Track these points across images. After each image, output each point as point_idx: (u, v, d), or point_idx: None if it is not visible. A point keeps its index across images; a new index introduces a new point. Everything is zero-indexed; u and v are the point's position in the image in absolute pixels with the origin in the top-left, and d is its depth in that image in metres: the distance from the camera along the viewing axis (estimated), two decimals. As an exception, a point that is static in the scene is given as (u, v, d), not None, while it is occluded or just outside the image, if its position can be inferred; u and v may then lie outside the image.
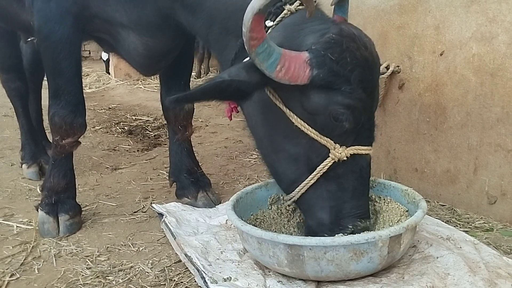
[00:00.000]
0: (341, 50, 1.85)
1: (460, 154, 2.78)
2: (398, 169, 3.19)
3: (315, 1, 2.04)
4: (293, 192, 2.12)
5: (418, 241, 2.32)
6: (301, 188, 2.08)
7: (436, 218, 2.65)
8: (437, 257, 2.16)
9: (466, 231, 2.50)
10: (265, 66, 1.78)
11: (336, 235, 2.01)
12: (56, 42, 2.51)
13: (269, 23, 2.04)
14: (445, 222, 2.60)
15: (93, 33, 2.74)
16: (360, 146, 2.02)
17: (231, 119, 2.26)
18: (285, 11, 2.04)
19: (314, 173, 2.02)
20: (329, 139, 1.98)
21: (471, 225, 2.63)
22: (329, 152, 1.99)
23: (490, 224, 2.61)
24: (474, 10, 2.60)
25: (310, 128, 1.97)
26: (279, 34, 2.00)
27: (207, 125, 5.48)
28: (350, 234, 2.00)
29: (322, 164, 2.00)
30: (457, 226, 2.60)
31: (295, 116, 1.98)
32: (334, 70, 1.85)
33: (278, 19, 2.04)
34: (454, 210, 2.82)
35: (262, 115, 2.10)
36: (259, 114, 2.11)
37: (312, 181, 2.04)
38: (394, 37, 3.07)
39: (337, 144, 1.98)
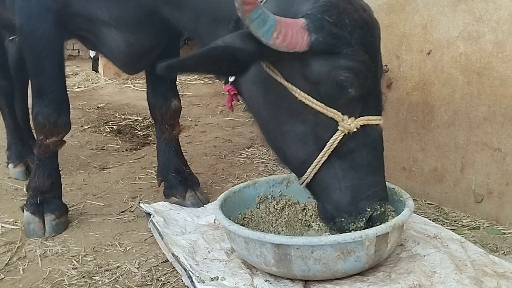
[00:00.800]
0: (339, 12, 1.81)
1: (447, 153, 2.80)
2: (386, 167, 3.18)
3: None
4: (305, 174, 2.03)
5: (406, 239, 2.32)
6: (313, 168, 2.00)
7: (424, 217, 2.66)
8: (424, 256, 2.17)
9: (453, 230, 2.51)
10: (261, 33, 1.72)
11: (355, 220, 1.97)
12: (38, 40, 2.49)
13: None
14: (432, 221, 2.61)
15: (75, 31, 2.71)
16: (369, 116, 1.94)
17: (232, 110, 2.18)
18: None
19: (325, 149, 1.95)
20: (336, 111, 1.91)
21: (458, 223, 2.65)
22: (338, 125, 1.91)
23: (477, 223, 2.63)
24: (461, 9, 2.62)
25: (315, 100, 1.90)
26: (273, 5, 1.93)
27: (197, 124, 5.46)
28: (369, 218, 1.97)
29: (332, 139, 1.93)
30: (444, 224, 2.62)
31: (297, 90, 1.91)
32: (334, 32, 1.80)
33: None
34: (441, 208, 2.84)
35: (263, 96, 2.03)
36: (261, 96, 2.04)
37: (324, 159, 1.96)
38: (382, 36, 3.01)
39: (345, 116, 1.91)
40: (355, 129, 1.91)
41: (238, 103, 2.19)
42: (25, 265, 2.33)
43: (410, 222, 2.49)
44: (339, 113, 1.91)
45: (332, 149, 1.95)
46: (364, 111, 1.94)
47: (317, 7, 1.82)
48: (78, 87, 8.39)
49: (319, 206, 2.17)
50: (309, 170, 2.01)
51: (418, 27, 2.85)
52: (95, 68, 9.46)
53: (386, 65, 3.05)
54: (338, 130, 1.92)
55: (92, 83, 8.85)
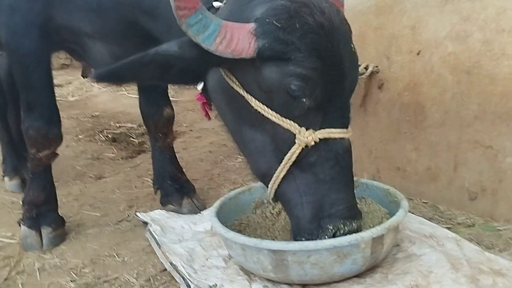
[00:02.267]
0: (289, 16, 1.69)
1: (440, 152, 2.82)
2: (380, 168, 3.21)
3: None
4: (268, 187, 1.96)
5: (402, 239, 2.34)
6: (273, 182, 1.91)
7: (419, 216, 2.67)
8: (420, 255, 2.19)
9: (448, 228, 2.53)
10: (201, 39, 1.65)
11: (316, 238, 1.87)
12: (24, 55, 2.50)
13: (217, 3, 1.93)
14: (428, 219, 2.63)
15: (62, 43, 2.72)
16: (331, 129, 1.82)
17: (209, 118, 2.14)
18: None
19: (283, 162, 1.84)
20: (292, 122, 1.80)
21: (453, 221, 2.66)
22: (295, 138, 1.81)
23: (472, 220, 2.64)
24: (449, 9, 2.64)
25: (270, 110, 1.79)
26: (226, 10, 1.87)
27: (192, 130, 5.47)
28: (332, 237, 1.87)
29: (290, 152, 1.82)
30: (439, 223, 2.63)
31: (253, 99, 1.81)
32: (281, 38, 1.68)
33: None
34: (437, 207, 2.85)
35: (226, 104, 1.96)
36: (224, 104, 1.97)
37: (283, 173, 1.87)
38: (372, 37, 3.10)
39: (303, 128, 1.80)
40: (313, 143, 1.80)
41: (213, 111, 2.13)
42: (24, 279, 2.34)
43: (405, 222, 2.51)
44: (296, 125, 1.80)
45: (291, 162, 1.85)
46: (325, 124, 1.82)
47: (268, 11, 1.71)
48: (72, 96, 8.38)
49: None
50: (270, 183, 1.94)
51: (406, 28, 2.87)
52: (84, 75, 9.42)
53: (376, 66, 3.07)
54: (295, 143, 1.82)
55: (86, 91, 8.83)
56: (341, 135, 1.86)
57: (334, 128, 1.83)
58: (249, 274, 2.18)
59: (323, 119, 1.83)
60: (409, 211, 2.72)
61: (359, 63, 2.99)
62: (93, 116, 6.58)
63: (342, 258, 1.94)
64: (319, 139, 1.81)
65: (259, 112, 1.82)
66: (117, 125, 5.91)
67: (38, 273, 2.37)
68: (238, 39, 1.68)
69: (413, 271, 2.06)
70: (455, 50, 2.64)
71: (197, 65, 1.77)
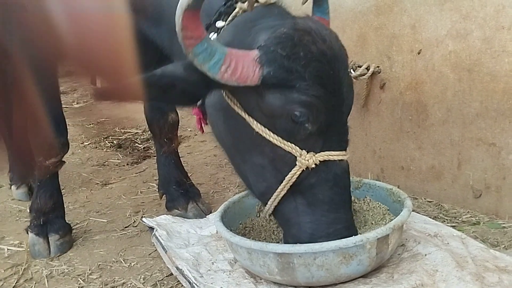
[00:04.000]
0: (293, 44, 1.71)
1: (443, 150, 2.82)
2: (384, 168, 3.22)
3: None
4: (266, 205, 2.00)
5: (407, 239, 2.34)
6: (273, 201, 1.95)
7: (424, 215, 2.67)
8: (425, 255, 2.19)
9: (453, 226, 2.53)
10: (207, 67, 1.66)
11: None
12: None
13: (219, 23, 1.94)
14: (432, 218, 2.63)
15: None
16: (331, 152, 1.86)
17: (202, 132, 2.16)
18: (236, 10, 1.91)
19: (283, 183, 1.88)
20: (293, 145, 1.83)
21: (458, 219, 2.66)
22: (296, 160, 1.84)
23: (477, 218, 2.65)
24: (448, 7, 2.64)
25: (272, 134, 1.82)
26: (229, 33, 1.88)
27: (196, 134, 5.48)
28: None
29: (290, 173, 1.86)
30: (444, 221, 2.63)
31: (255, 122, 1.83)
32: (286, 66, 1.70)
33: (229, 18, 1.92)
34: (441, 205, 2.85)
35: (224, 123, 1.97)
36: (222, 123, 1.99)
37: (283, 193, 1.91)
38: (373, 38, 3.11)
39: (304, 151, 1.83)
40: (313, 165, 1.83)
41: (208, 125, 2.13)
42: (32, 286, 2.35)
43: (410, 221, 2.51)
44: (297, 148, 1.83)
45: (291, 183, 1.88)
46: (325, 147, 1.85)
47: (271, 39, 1.72)
48: (77, 103, 8.43)
49: (283, 235, 2.12)
50: (269, 202, 1.96)
51: (407, 28, 2.87)
52: (93, 82, 9.48)
53: (378, 66, 3.08)
54: (296, 165, 1.85)
55: (91, 98, 8.89)
56: (340, 157, 1.89)
57: (333, 150, 1.87)
58: (255, 277, 2.19)
59: (323, 142, 1.86)
60: (414, 210, 2.73)
61: (360, 63, 3.05)
62: (98, 122, 6.62)
63: (348, 259, 1.95)
64: (319, 161, 1.84)
65: (260, 134, 1.84)
66: (122, 131, 5.95)
67: (46, 280, 2.39)
68: (242, 67, 1.70)
69: (418, 270, 2.06)
70: (456, 48, 2.65)
71: (200, 88, 1.78)
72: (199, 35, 1.63)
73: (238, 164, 2.06)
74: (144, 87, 1.70)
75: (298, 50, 1.71)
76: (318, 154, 1.85)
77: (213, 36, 1.95)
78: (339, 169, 1.90)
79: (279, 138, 1.83)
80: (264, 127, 1.83)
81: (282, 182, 1.89)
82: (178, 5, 1.57)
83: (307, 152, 1.84)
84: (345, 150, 1.92)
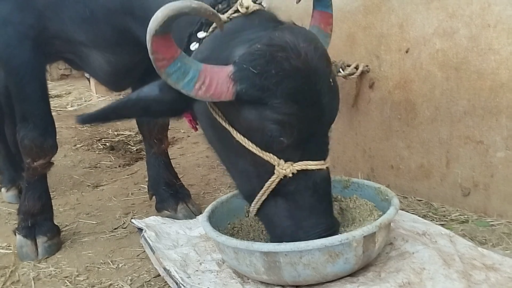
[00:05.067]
0: (265, 61, 1.70)
1: (432, 149, 2.82)
2: (374, 167, 3.21)
3: (261, 3, 1.95)
4: (251, 206, 2.04)
5: (395, 238, 2.33)
6: (255, 204, 2.00)
7: (413, 213, 2.67)
8: (413, 253, 2.18)
9: (442, 225, 2.53)
10: (181, 86, 1.68)
11: None
12: (18, 67, 2.51)
13: (201, 34, 1.95)
14: (422, 217, 2.62)
15: (58, 53, 2.73)
16: (309, 162, 1.88)
17: (196, 130, 2.18)
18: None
19: (263, 189, 1.93)
20: (271, 155, 1.86)
21: (447, 218, 2.67)
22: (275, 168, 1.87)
23: (466, 216, 2.65)
24: (435, 6, 2.65)
25: (251, 143, 1.85)
26: (207, 46, 1.90)
27: (189, 136, 5.48)
28: None
29: (269, 180, 1.90)
30: (433, 220, 2.63)
31: (235, 131, 1.86)
32: (258, 84, 1.70)
33: (210, 29, 1.92)
34: (431, 204, 2.85)
35: (211, 129, 2.01)
36: (209, 128, 2.03)
37: (264, 197, 1.95)
38: (361, 37, 3.11)
39: (281, 160, 1.86)
40: (290, 174, 1.86)
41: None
42: (18, 289, 2.35)
43: (399, 220, 2.51)
44: (275, 157, 1.86)
45: (271, 190, 1.92)
46: (304, 156, 1.88)
47: (245, 55, 1.73)
48: (71, 106, 8.41)
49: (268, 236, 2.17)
50: (252, 204, 2.01)
51: (395, 27, 2.88)
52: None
53: (367, 66, 3.08)
54: (274, 173, 1.88)
55: (85, 101, 8.87)
56: (319, 167, 1.91)
57: (312, 160, 1.89)
58: (242, 277, 2.18)
59: (302, 151, 1.88)
60: (403, 209, 2.73)
61: (349, 63, 3.04)
62: (91, 125, 6.60)
63: (334, 258, 1.94)
64: (297, 170, 1.87)
65: (240, 143, 1.87)
66: (115, 133, 5.94)
67: (33, 283, 2.38)
68: (217, 83, 1.70)
69: (405, 269, 2.06)
70: (443, 46, 2.65)
71: (179, 104, 1.81)
72: (171, 56, 1.65)
73: (227, 166, 2.11)
74: (123, 110, 1.79)
75: (270, 67, 1.70)
76: (296, 163, 1.87)
77: (194, 46, 1.96)
78: (318, 178, 1.93)
79: (258, 148, 1.86)
80: (244, 137, 1.86)
81: (263, 187, 1.93)
82: (148, 30, 1.60)
83: (285, 162, 1.86)
84: (324, 159, 1.95)
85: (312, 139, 1.88)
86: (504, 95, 2.44)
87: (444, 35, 2.63)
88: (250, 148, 1.86)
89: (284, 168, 1.86)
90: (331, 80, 1.87)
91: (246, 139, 1.86)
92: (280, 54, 1.72)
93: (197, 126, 2.19)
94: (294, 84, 1.73)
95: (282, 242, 1.95)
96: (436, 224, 2.52)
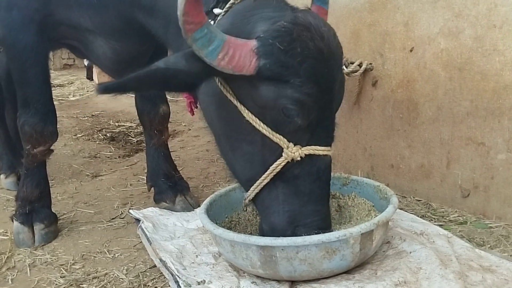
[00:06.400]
0: (291, 39, 1.71)
1: (433, 149, 2.81)
2: (374, 166, 3.20)
3: None
4: (249, 191, 2.02)
5: (392, 237, 2.33)
6: (256, 187, 1.98)
7: (412, 213, 2.67)
8: (410, 252, 2.17)
9: (440, 225, 2.52)
10: (205, 53, 1.66)
11: None
12: (21, 51, 2.50)
13: (217, 10, 1.95)
14: (420, 217, 2.62)
15: (62, 40, 2.72)
16: (316, 146, 1.90)
17: (193, 114, 2.17)
18: None
19: (267, 172, 1.92)
20: (282, 137, 1.86)
21: (445, 218, 2.66)
22: (282, 151, 1.87)
23: (464, 217, 2.64)
24: (441, 5, 2.63)
25: (262, 124, 1.85)
26: (227, 21, 1.89)
27: (190, 129, 5.47)
28: None
29: (275, 163, 1.89)
30: (432, 220, 2.63)
31: (246, 111, 1.85)
32: (282, 60, 1.71)
33: (227, 6, 1.93)
34: (430, 204, 2.84)
35: (216, 109, 1.99)
36: (214, 109, 2.00)
37: (266, 181, 1.94)
38: (366, 34, 3.09)
39: (291, 143, 1.86)
40: (299, 158, 1.87)
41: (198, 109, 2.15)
42: (14, 275, 2.34)
43: (397, 219, 2.50)
44: (285, 140, 1.86)
45: (275, 173, 1.91)
46: (312, 141, 1.89)
47: (271, 31, 1.73)
48: (73, 96, 8.42)
49: (259, 224, 2.16)
50: (252, 188, 1.99)
51: (400, 25, 2.86)
52: (89, 77, 9.49)
53: (370, 64, 3.07)
54: (282, 156, 1.88)
55: (87, 91, 8.88)
56: (325, 152, 1.93)
57: (319, 145, 1.91)
58: (238, 270, 2.18)
59: (310, 136, 1.89)
60: (402, 209, 2.73)
61: (353, 60, 3.04)
62: (93, 115, 6.61)
63: (331, 254, 1.93)
64: (305, 154, 1.88)
65: (249, 123, 1.86)
66: (116, 124, 5.94)
67: (28, 269, 2.37)
68: (240, 56, 1.70)
69: (402, 268, 2.05)
70: (447, 46, 2.63)
71: (200, 77, 1.79)
72: (200, 21, 1.63)
73: (225, 150, 2.08)
74: (148, 80, 1.75)
75: (295, 45, 1.71)
76: (304, 147, 1.87)
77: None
78: (322, 164, 1.94)
79: (269, 129, 1.85)
80: (255, 116, 1.85)
81: (266, 170, 1.92)
82: None
83: (294, 145, 1.87)
84: (330, 146, 1.96)
85: (321, 124, 1.89)
86: (507, 97, 2.43)
87: (449, 34, 2.61)
88: (260, 129, 1.85)
89: (293, 151, 1.86)
90: (342, 69, 1.93)
91: (257, 119, 1.85)
92: (306, 33, 1.73)
93: (195, 110, 2.17)
94: (316, 65, 1.74)
95: (277, 227, 1.96)
96: (434, 224, 2.51)
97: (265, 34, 1.73)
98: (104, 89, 1.76)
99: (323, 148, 1.92)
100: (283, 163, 1.89)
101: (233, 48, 1.70)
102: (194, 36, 1.64)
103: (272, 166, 1.90)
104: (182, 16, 1.61)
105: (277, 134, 1.86)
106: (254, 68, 1.72)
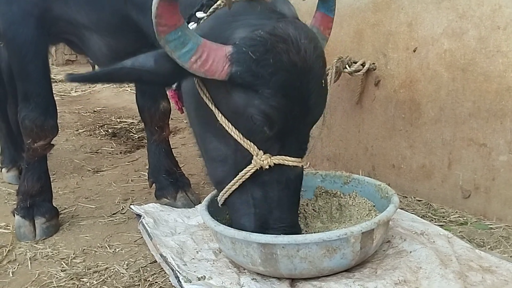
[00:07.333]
0: (265, 49, 1.70)
1: (434, 149, 2.81)
2: (376, 165, 3.21)
3: None
4: (219, 195, 2.05)
5: (393, 236, 2.33)
6: (226, 191, 2.01)
7: (413, 213, 2.67)
8: (410, 252, 2.18)
9: (441, 225, 2.52)
10: (177, 55, 1.68)
11: None
12: (21, 45, 2.52)
13: (200, 14, 1.96)
14: (421, 217, 2.63)
15: (60, 35, 2.74)
16: (287, 157, 1.90)
17: (182, 112, 2.17)
18: (218, 2, 1.92)
19: (237, 178, 1.94)
20: (252, 144, 1.87)
21: (446, 219, 2.66)
22: (253, 158, 1.89)
23: (465, 218, 2.64)
24: (445, 6, 2.63)
25: (234, 128, 1.87)
26: (208, 25, 1.90)
27: (191, 126, 5.47)
28: None
29: (245, 169, 1.91)
30: (432, 220, 2.63)
31: (220, 114, 1.87)
32: (253, 70, 1.71)
33: (211, 10, 1.93)
34: (430, 205, 2.85)
35: (194, 109, 2.01)
36: (192, 108, 2.02)
37: (235, 186, 1.97)
38: (369, 34, 3.09)
39: (261, 151, 1.87)
40: (267, 166, 1.88)
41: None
42: (14, 268, 2.34)
43: (398, 219, 2.50)
44: (255, 147, 1.87)
45: (244, 179, 1.93)
46: (283, 151, 1.90)
47: (247, 39, 1.72)
48: (75, 92, 8.42)
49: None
50: (221, 192, 2.02)
51: (403, 25, 2.86)
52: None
53: (373, 63, 3.07)
54: (251, 163, 1.90)
55: (89, 87, 8.87)
56: (295, 164, 1.93)
57: (290, 156, 1.91)
58: (238, 267, 2.18)
59: (281, 146, 1.90)
60: (403, 209, 2.73)
61: (356, 59, 3.03)
62: (94, 111, 6.62)
63: (332, 253, 1.94)
64: (274, 164, 1.89)
65: (222, 126, 1.88)
66: (118, 120, 5.95)
67: (29, 263, 2.38)
68: (213, 60, 1.71)
69: (402, 267, 2.06)
70: (451, 47, 2.64)
71: (171, 77, 1.82)
72: (174, 23, 1.65)
73: (203, 150, 2.10)
74: (115, 77, 1.80)
75: (268, 56, 1.70)
76: (274, 156, 1.89)
77: (192, 26, 1.96)
78: (292, 174, 1.95)
79: (240, 134, 1.87)
80: (228, 121, 1.87)
81: (237, 175, 1.94)
82: None
83: (264, 153, 1.88)
84: (301, 157, 1.97)
85: (293, 135, 1.90)
86: (510, 98, 2.43)
87: (452, 35, 2.61)
88: (232, 134, 1.87)
89: (262, 160, 1.87)
90: (323, 81, 1.88)
91: (229, 124, 1.86)
92: (281, 45, 1.72)
93: (183, 108, 2.19)
94: (287, 77, 1.74)
95: (245, 231, 1.97)
96: (435, 224, 2.51)
97: (240, 41, 1.73)
98: (74, 79, 1.81)
99: (293, 159, 1.92)
100: (252, 170, 1.91)
101: (207, 52, 1.71)
102: (167, 38, 1.66)
103: (241, 172, 1.92)
104: (155, 18, 1.63)
105: (248, 141, 1.87)
106: (226, 74, 1.73)
